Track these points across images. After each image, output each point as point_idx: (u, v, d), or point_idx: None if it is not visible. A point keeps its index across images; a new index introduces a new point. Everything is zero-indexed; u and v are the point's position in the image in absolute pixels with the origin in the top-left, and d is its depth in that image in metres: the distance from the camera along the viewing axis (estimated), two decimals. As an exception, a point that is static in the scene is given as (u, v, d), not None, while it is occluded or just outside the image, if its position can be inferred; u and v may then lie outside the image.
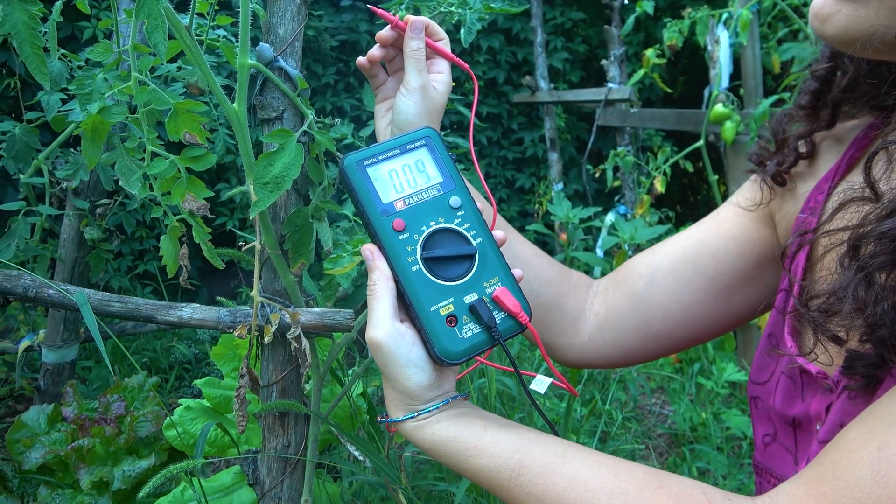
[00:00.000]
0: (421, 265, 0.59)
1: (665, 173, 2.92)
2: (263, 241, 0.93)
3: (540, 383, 0.69)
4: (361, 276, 1.40)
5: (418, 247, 0.60)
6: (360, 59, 0.76)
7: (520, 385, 0.67)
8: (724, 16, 2.63)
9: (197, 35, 0.93)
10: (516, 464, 0.56)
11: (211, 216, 0.91)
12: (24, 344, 1.64)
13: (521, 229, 4.87)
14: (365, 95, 1.08)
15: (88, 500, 1.25)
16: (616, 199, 4.01)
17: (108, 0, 0.88)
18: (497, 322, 0.60)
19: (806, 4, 2.40)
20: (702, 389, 2.66)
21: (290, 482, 1.04)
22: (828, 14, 0.57)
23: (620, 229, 2.48)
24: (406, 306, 0.60)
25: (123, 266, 3.72)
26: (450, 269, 0.60)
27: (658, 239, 2.47)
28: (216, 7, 0.92)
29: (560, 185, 4.64)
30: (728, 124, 2.53)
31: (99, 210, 1.52)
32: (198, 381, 1.28)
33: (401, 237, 0.60)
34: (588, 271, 3.69)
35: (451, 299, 0.59)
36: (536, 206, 4.88)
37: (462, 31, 0.95)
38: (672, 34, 2.71)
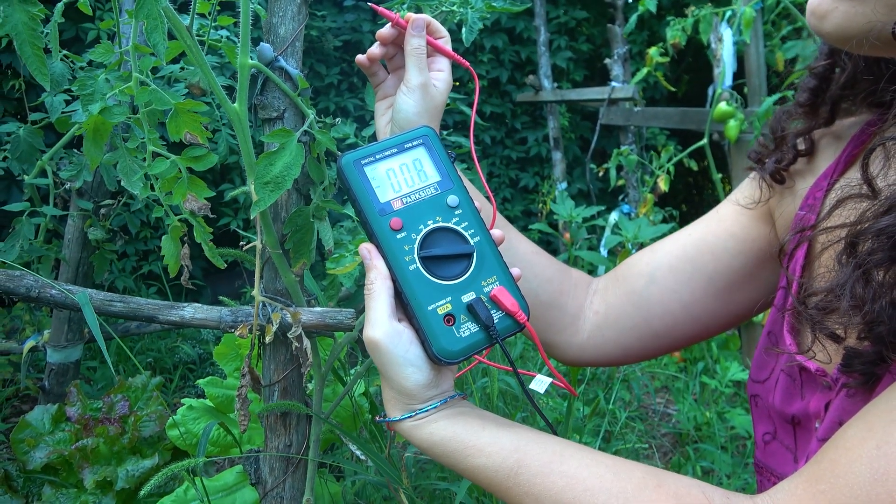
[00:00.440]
0: (418, 264, 0.59)
1: (669, 172, 2.91)
2: (265, 241, 0.93)
3: (539, 383, 0.69)
4: (364, 276, 1.40)
5: (416, 246, 0.60)
6: (360, 57, 0.76)
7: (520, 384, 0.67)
8: (728, 14, 2.62)
9: (199, 35, 0.93)
10: (514, 463, 0.56)
11: (214, 216, 0.92)
12: (29, 344, 1.65)
13: (525, 228, 4.86)
14: (368, 95, 1.08)
15: (92, 499, 1.25)
16: (620, 198, 4.00)
17: (110, 1, 0.88)
18: (495, 321, 0.60)
19: (810, 2, 2.38)
20: (706, 388, 2.65)
21: (292, 481, 1.04)
22: (825, 11, 0.57)
23: (624, 228, 2.48)
24: (404, 305, 0.60)
25: (128, 266, 3.74)
26: (447, 268, 0.60)
27: (661, 237, 2.46)
28: (218, 7, 0.92)
29: (564, 185, 4.63)
30: (732, 122, 2.52)
31: (103, 210, 1.52)
32: (200, 381, 1.28)
33: (398, 236, 0.60)
34: (592, 270, 3.69)
35: (449, 298, 0.59)
36: (540, 205, 4.88)
37: (464, 30, 0.95)
38: (675, 32, 2.70)
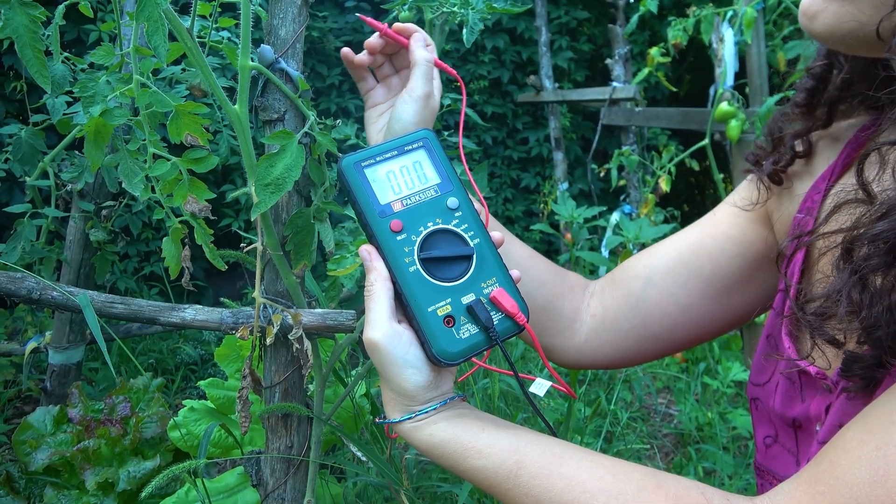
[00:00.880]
0: (418, 266, 0.59)
1: (670, 172, 2.91)
2: (265, 243, 0.93)
3: (539, 386, 0.69)
4: (365, 277, 1.40)
5: (416, 247, 0.60)
6: (345, 51, 0.78)
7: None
8: (729, 14, 2.61)
9: (200, 37, 0.93)
10: (514, 464, 0.56)
11: (216, 218, 0.92)
12: (31, 345, 1.65)
13: (526, 229, 4.87)
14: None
15: (94, 500, 1.25)
16: (621, 198, 4.00)
17: (112, 3, 0.88)
18: (495, 323, 0.60)
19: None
20: (708, 389, 2.65)
21: (293, 483, 1.04)
22: (815, 11, 0.58)
23: (625, 228, 2.48)
24: (403, 307, 0.60)
25: (130, 268, 3.74)
26: (447, 270, 0.60)
27: (662, 238, 2.46)
28: (219, 9, 0.92)
29: (565, 185, 4.63)
30: (733, 123, 2.52)
31: (104, 212, 1.52)
32: (202, 383, 1.28)
33: (398, 238, 0.60)
34: (593, 271, 3.69)
35: (449, 300, 0.59)
36: (541, 205, 4.88)
37: (465, 30, 0.96)
38: (677, 32, 2.70)
